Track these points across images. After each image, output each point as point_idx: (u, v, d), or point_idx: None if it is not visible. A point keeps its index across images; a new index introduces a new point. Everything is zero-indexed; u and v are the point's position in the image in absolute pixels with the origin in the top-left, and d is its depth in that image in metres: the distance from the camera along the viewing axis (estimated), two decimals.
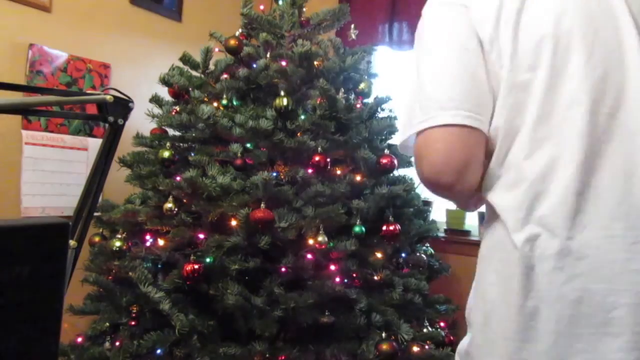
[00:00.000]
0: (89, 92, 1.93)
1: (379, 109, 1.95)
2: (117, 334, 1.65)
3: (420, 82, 0.80)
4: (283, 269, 1.57)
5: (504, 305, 0.75)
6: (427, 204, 2.37)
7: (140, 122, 1.80)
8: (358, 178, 1.70)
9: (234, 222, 1.56)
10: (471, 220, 2.48)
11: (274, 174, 1.63)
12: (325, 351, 1.54)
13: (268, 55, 1.85)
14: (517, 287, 0.73)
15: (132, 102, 1.11)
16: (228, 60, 1.87)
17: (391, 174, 1.85)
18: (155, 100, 1.94)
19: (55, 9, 2.08)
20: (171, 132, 1.87)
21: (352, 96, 1.89)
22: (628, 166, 0.72)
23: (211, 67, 1.92)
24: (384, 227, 1.69)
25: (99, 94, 1.10)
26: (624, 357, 0.69)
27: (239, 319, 1.55)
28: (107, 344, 1.62)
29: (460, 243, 2.43)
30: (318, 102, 1.72)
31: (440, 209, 2.54)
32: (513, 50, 0.75)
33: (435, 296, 1.90)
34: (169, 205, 1.62)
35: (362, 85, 1.91)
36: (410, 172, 1.95)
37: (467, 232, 2.46)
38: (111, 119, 1.07)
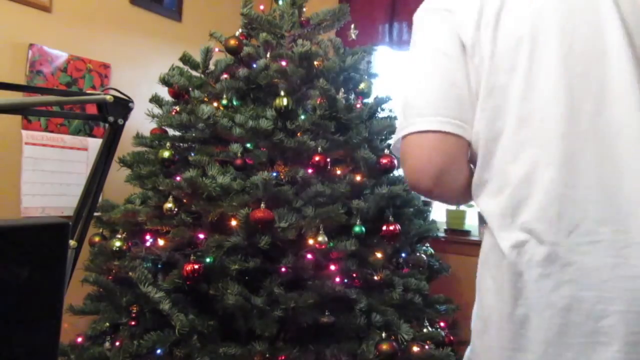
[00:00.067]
0: (89, 92, 1.93)
1: (379, 109, 1.95)
2: (117, 334, 1.65)
3: (405, 89, 0.81)
4: (283, 269, 1.57)
5: (497, 312, 0.74)
6: (427, 204, 2.37)
7: (140, 122, 1.80)
8: (358, 178, 1.70)
9: (234, 222, 1.56)
10: (471, 220, 2.48)
11: (274, 174, 1.63)
12: (325, 351, 1.54)
13: (268, 55, 1.85)
14: (507, 295, 0.72)
15: (132, 102, 1.11)
16: (228, 60, 1.87)
17: (391, 174, 1.85)
18: (155, 100, 1.94)
19: (55, 9, 2.08)
20: (171, 132, 1.87)
21: (352, 96, 1.89)
22: (614, 166, 0.70)
23: (211, 67, 1.92)
24: (384, 227, 1.69)
25: (99, 94, 1.10)
26: None
27: (239, 319, 1.55)
28: (107, 344, 1.62)
29: (460, 243, 2.43)
30: (318, 102, 1.72)
31: (440, 209, 2.54)
32: (491, 52, 0.74)
33: (435, 296, 1.90)
34: (169, 205, 1.62)
35: (362, 85, 1.91)
36: None
37: (467, 232, 2.46)
38: (111, 119, 1.07)
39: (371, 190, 1.73)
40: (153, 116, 1.87)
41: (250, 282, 1.57)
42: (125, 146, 1.70)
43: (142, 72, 2.39)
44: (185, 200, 1.67)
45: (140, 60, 2.43)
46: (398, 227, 1.70)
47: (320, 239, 1.52)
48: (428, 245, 2.06)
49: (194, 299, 1.59)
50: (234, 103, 1.81)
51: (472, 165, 0.82)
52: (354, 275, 1.67)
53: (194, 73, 1.93)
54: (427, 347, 1.66)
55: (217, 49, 1.96)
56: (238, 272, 1.52)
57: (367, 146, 1.77)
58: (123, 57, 2.35)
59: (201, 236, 1.61)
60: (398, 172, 1.89)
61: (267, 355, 1.50)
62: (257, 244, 1.52)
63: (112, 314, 1.66)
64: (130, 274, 1.57)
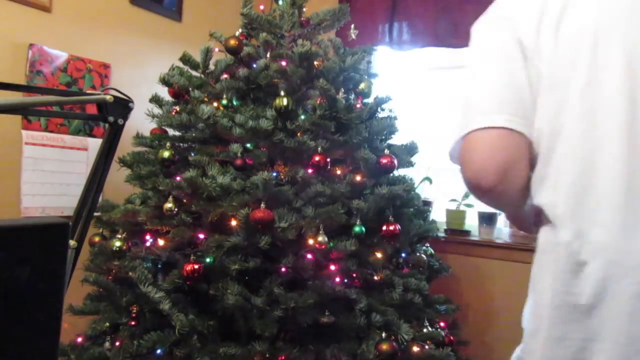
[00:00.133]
0: (89, 92, 1.93)
1: (379, 109, 1.95)
2: (117, 334, 1.65)
3: (465, 96, 0.82)
4: (283, 269, 1.57)
5: (557, 306, 0.74)
6: (427, 204, 2.37)
7: (140, 122, 1.80)
8: (358, 178, 1.70)
9: (234, 222, 1.56)
10: (471, 220, 2.48)
11: (274, 174, 1.63)
12: (325, 351, 1.54)
13: (268, 55, 1.85)
14: (570, 286, 0.72)
15: (132, 102, 1.11)
16: (228, 60, 1.87)
17: (391, 174, 1.85)
18: (155, 100, 1.94)
19: (55, 9, 2.08)
20: (171, 132, 1.87)
21: (352, 96, 1.89)
22: None
23: (211, 67, 1.92)
24: (384, 227, 1.69)
25: (99, 94, 1.10)
26: None
27: (239, 319, 1.55)
28: (107, 344, 1.62)
29: (460, 243, 2.43)
30: (318, 102, 1.72)
31: (440, 209, 2.54)
32: (553, 50, 0.76)
33: (435, 296, 1.90)
34: (169, 205, 1.62)
35: (362, 85, 1.90)
36: (410, 172, 1.96)
37: (467, 232, 2.46)
38: (111, 119, 1.07)
39: (371, 190, 1.73)
40: (153, 116, 1.87)
41: (250, 282, 1.57)
42: (125, 146, 1.70)
43: (142, 72, 2.39)
44: (185, 200, 1.67)
45: (140, 60, 2.43)
46: (398, 227, 1.70)
47: (320, 239, 1.52)
48: (428, 245, 2.06)
49: (194, 299, 1.59)
50: (234, 103, 1.81)
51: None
52: (354, 275, 1.68)
53: (194, 73, 1.93)
54: (427, 347, 1.66)
55: (217, 49, 1.96)
56: (238, 272, 1.52)
57: (367, 146, 1.77)
58: (123, 57, 2.35)
59: (201, 236, 1.61)
60: (398, 172, 1.89)
61: (267, 355, 1.50)
62: (257, 244, 1.52)
63: (112, 314, 1.66)
64: (130, 274, 1.57)
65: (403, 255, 1.83)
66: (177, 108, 1.87)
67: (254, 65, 1.83)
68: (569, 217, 0.74)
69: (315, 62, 1.81)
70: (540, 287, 0.79)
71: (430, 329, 1.77)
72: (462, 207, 2.48)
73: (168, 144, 1.74)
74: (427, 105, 2.78)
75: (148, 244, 1.67)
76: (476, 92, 0.81)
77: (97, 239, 1.77)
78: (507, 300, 2.31)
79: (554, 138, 0.76)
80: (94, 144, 2.20)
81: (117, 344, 1.59)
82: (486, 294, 2.37)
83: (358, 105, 1.83)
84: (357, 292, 1.60)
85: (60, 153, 2.09)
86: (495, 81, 0.79)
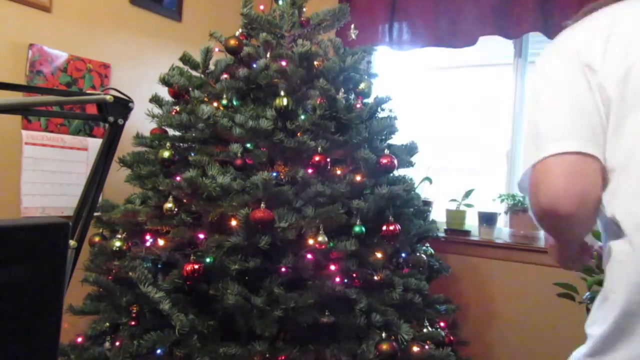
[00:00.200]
0: (89, 92, 1.93)
1: (379, 109, 1.95)
2: (117, 334, 1.65)
3: (535, 125, 0.82)
4: (283, 269, 1.57)
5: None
6: (427, 204, 2.37)
7: (140, 122, 1.80)
8: (358, 178, 1.70)
9: (234, 222, 1.56)
10: (471, 220, 2.49)
11: (274, 174, 1.63)
12: (325, 351, 1.54)
13: (268, 55, 1.85)
14: None
15: (132, 102, 1.11)
16: (228, 60, 1.87)
17: (391, 174, 1.85)
18: (155, 100, 1.94)
19: (55, 9, 2.08)
20: (171, 132, 1.87)
21: (352, 96, 1.89)
22: None
23: (211, 67, 1.92)
24: (384, 227, 1.69)
25: (99, 94, 1.10)
26: None
27: (239, 319, 1.55)
28: (107, 344, 1.62)
29: (460, 243, 2.43)
30: (318, 102, 1.72)
31: (440, 209, 2.54)
32: (623, 76, 0.76)
33: (435, 296, 1.90)
34: (169, 205, 1.62)
35: (362, 85, 1.91)
36: (410, 172, 1.96)
37: (467, 232, 2.46)
38: (111, 119, 1.08)
39: (371, 190, 1.73)
40: (153, 116, 1.87)
41: (250, 282, 1.57)
42: (125, 146, 1.70)
43: (142, 72, 2.39)
44: (185, 200, 1.67)
45: (140, 60, 2.43)
46: (398, 227, 1.70)
47: (320, 239, 1.52)
48: (428, 245, 2.07)
49: (194, 299, 1.59)
50: (234, 103, 1.81)
51: None
52: (354, 275, 1.68)
53: (194, 73, 1.93)
54: (427, 347, 1.66)
55: (217, 49, 1.96)
56: (238, 272, 1.52)
57: (367, 146, 1.77)
58: (123, 57, 2.35)
59: (201, 236, 1.61)
60: (398, 172, 1.90)
61: (267, 355, 1.50)
62: (257, 244, 1.53)
63: (112, 314, 1.66)
64: (130, 274, 1.57)
65: (403, 255, 1.83)
66: (177, 108, 1.87)
67: (254, 65, 1.83)
68: None
69: (315, 62, 1.81)
70: (614, 297, 0.78)
71: (430, 329, 1.78)
72: (462, 207, 2.48)
73: (168, 144, 1.74)
74: (427, 105, 2.78)
75: (148, 244, 1.67)
76: (545, 121, 0.81)
77: (97, 239, 1.77)
78: (507, 300, 2.31)
79: (635, 150, 0.76)
80: (94, 144, 2.20)
81: (117, 344, 1.59)
82: (486, 294, 2.37)
83: (358, 105, 1.83)
84: (357, 292, 1.60)
85: (60, 153, 2.09)
86: (564, 108, 0.80)
